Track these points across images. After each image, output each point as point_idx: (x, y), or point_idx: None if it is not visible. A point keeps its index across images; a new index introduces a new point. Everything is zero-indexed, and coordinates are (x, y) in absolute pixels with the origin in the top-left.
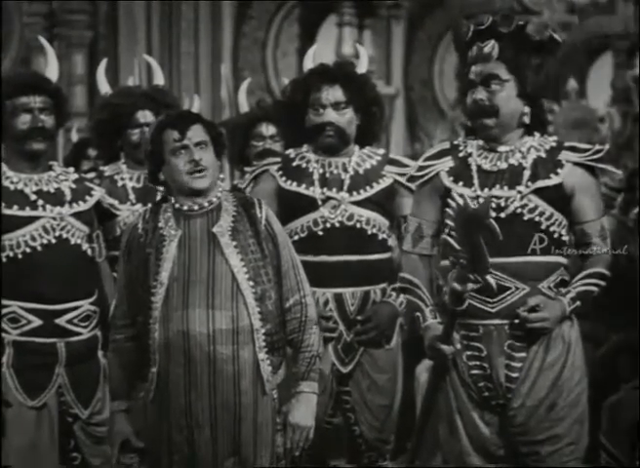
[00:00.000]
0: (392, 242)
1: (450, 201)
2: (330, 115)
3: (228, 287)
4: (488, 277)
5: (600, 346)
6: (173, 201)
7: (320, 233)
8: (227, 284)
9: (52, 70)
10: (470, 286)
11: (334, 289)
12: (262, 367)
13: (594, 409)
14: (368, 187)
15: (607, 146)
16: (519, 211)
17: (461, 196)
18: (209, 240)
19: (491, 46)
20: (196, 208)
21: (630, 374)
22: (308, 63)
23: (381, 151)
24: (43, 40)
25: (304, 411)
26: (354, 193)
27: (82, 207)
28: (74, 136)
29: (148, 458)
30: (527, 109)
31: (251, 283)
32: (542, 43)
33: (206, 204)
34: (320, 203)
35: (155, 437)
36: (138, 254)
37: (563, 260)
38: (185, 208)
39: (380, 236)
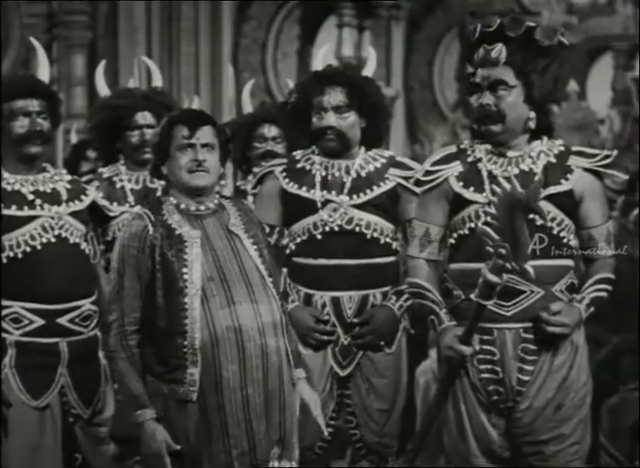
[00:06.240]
0: (398, 245)
1: (494, 187)
2: (331, 119)
3: (259, 281)
4: (526, 266)
5: (601, 348)
6: (174, 201)
7: (319, 236)
8: (257, 278)
9: (43, 72)
10: (505, 277)
11: (331, 292)
12: (291, 357)
13: (595, 410)
14: (369, 190)
15: (615, 152)
16: (531, 216)
17: (509, 180)
18: (227, 237)
19: (498, 50)
20: (203, 208)
21: (631, 376)
22: (317, 65)
23: (387, 154)
24: (34, 41)
25: (312, 392)
26: (354, 196)
27: (78, 206)
28: (73, 138)
29: (188, 460)
30: (532, 114)
31: (270, 279)
32: (551, 47)
33: (211, 205)
34: (320, 206)
35: (205, 435)
36: (153, 259)
37: (571, 264)
38: (193, 208)
39: (383, 240)
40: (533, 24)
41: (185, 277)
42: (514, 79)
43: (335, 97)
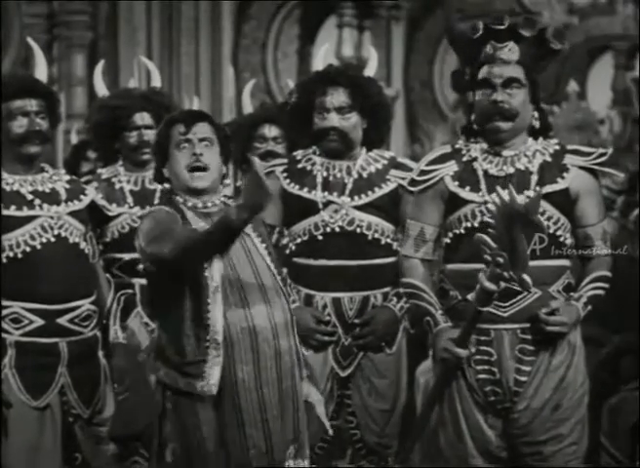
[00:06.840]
0: (398, 246)
1: (493, 197)
2: (333, 120)
3: (271, 280)
4: (524, 275)
5: (601, 348)
6: (181, 200)
7: (320, 237)
8: (269, 278)
9: (41, 72)
10: (502, 285)
11: (332, 293)
12: (301, 355)
13: (595, 410)
14: (370, 192)
15: (611, 150)
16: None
17: (508, 192)
18: (239, 237)
19: (511, 48)
20: (210, 205)
21: (632, 376)
22: (318, 65)
23: (388, 155)
24: (31, 41)
25: (315, 391)
26: (356, 198)
27: (77, 206)
28: (74, 138)
29: (199, 459)
30: (536, 114)
31: (280, 277)
32: (561, 50)
33: (217, 201)
34: (321, 207)
35: (220, 435)
36: None
37: (568, 264)
38: (200, 206)
39: (384, 241)
40: (545, 25)
41: (206, 273)
42: (524, 78)
43: (337, 97)
